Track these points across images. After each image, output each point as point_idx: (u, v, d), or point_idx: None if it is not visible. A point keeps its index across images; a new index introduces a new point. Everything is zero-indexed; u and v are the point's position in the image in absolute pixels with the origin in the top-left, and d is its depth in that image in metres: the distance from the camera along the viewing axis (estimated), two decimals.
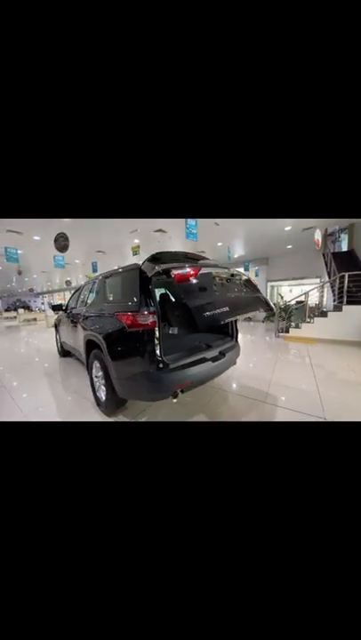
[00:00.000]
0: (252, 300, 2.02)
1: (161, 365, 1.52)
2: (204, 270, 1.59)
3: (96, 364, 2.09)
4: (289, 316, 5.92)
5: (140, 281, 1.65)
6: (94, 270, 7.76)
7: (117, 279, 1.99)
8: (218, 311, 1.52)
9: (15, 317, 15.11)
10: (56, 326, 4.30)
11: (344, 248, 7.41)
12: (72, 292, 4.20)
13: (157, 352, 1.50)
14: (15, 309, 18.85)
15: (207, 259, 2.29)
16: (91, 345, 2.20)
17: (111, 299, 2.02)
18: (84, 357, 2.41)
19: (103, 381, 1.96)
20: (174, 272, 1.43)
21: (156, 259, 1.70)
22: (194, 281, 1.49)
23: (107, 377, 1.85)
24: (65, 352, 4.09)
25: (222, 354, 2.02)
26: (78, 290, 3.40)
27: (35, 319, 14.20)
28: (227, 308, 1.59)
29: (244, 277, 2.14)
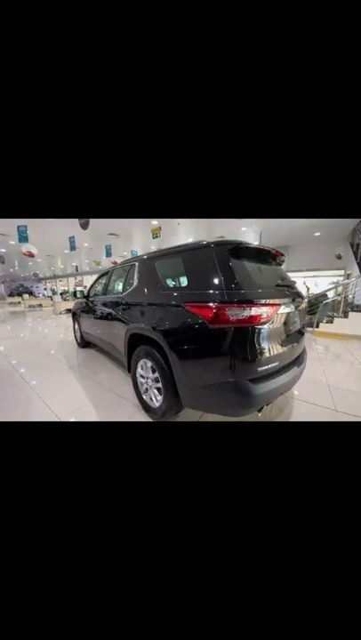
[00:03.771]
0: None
1: (253, 375, 1.18)
2: (281, 310, 1.29)
3: (146, 363, 1.75)
4: (318, 310, 5.56)
5: (220, 263, 1.27)
6: (108, 254, 7.31)
7: (178, 261, 1.59)
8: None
9: (20, 303, 14.72)
10: (74, 315, 3.94)
11: None
12: (76, 278, 3.79)
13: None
14: (19, 294, 18.34)
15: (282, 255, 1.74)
16: (136, 340, 1.86)
17: (171, 285, 1.64)
18: (124, 353, 2.07)
19: (158, 384, 1.63)
20: (254, 311, 1.14)
21: (236, 250, 1.31)
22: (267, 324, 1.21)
23: (165, 380, 1.53)
24: (86, 343, 3.77)
25: (301, 356, 1.69)
26: (103, 275, 3.01)
27: (40, 305, 13.85)
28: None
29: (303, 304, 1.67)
